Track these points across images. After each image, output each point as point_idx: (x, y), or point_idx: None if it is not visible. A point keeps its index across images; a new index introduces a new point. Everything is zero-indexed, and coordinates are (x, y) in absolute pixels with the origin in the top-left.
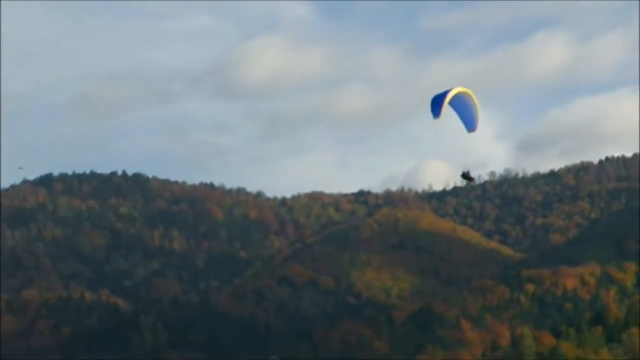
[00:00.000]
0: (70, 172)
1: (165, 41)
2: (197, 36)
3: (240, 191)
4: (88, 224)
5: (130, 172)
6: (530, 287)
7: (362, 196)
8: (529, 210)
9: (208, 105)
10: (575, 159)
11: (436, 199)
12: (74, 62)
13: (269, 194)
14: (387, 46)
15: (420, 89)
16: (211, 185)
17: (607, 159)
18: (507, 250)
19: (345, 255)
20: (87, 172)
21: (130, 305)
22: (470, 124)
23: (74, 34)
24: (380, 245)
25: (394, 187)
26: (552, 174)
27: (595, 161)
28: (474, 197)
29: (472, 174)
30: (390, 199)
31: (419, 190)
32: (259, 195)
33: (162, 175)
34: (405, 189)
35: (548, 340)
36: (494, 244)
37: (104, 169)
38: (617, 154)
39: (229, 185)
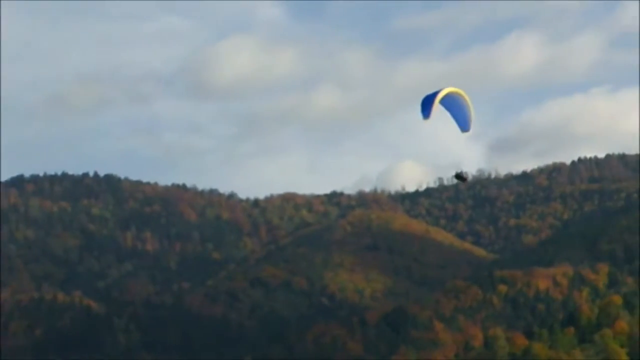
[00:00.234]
0: (41, 174)
1: (138, 42)
2: (170, 37)
3: (213, 192)
4: (60, 226)
5: (102, 173)
6: (503, 288)
7: (334, 197)
8: (501, 211)
9: (180, 106)
10: (548, 160)
11: (409, 200)
12: (45, 63)
13: (242, 195)
14: (359, 47)
15: (393, 90)
16: (183, 187)
17: (579, 159)
18: (480, 251)
19: (318, 257)
20: (59, 173)
21: (103, 306)
22: (464, 125)
23: (46, 35)
24: (354, 246)
25: (366, 188)
26: (524, 175)
27: (568, 162)
28: (446, 198)
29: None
30: (363, 200)
31: (392, 191)
32: (231, 196)
33: (134, 176)
34: (378, 190)
35: (521, 341)
36: (466, 245)
37: (76, 170)
38: (589, 154)
39: (201, 186)
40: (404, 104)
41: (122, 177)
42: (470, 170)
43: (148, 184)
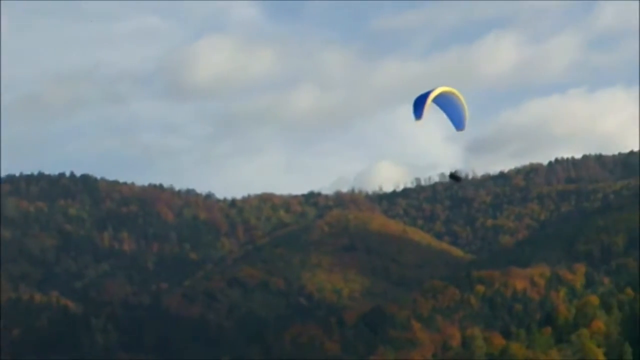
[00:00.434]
0: (17, 174)
1: (114, 42)
2: (146, 37)
3: (190, 192)
4: (37, 226)
5: (78, 174)
6: (480, 288)
7: (312, 198)
8: (479, 211)
9: (157, 106)
10: (525, 161)
11: (386, 201)
12: (22, 63)
13: (219, 195)
14: (337, 47)
15: (371, 90)
16: (160, 187)
17: (556, 160)
18: (458, 252)
19: (296, 257)
20: (35, 173)
21: (81, 307)
22: (459, 124)
23: (22, 35)
24: (331, 246)
25: (344, 189)
26: (501, 176)
27: (545, 163)
28: (424, 199)
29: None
30: (340, 200)
31: (370, 191)
32: (209, 196)
33: (111, 177)
34: (356, 191)
35: (498, 341)
36: (444, 245)
37: (52, 170)
38: (567, 155)
39: (178, 186)
40: (382, 105)
41: (99, 177)
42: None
43: (125, 184)
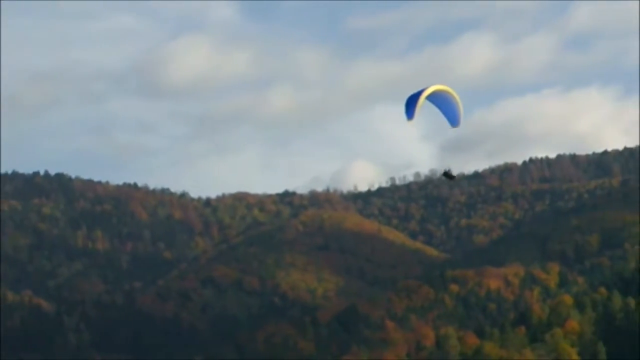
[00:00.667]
0: None
1: (89, 41)
2: (121, 36)
3: (165, 191)
4: (11, 224)
5: (53, 172)
6: (454, 288)
7: (287, 197)
8: (453, 211)
9: (132, 105)
10: (499, 160)
11: (361, 200)
12: None
13: (194, 194)
14: (312, 47)
15: (346, 90)
16: (135, 186)
17: (531, 160)
18: (432, 251)
19: (270, 256)
20: (9, 172)
21: (54, 306)
22: (453, 121)
23: None
24: (306, 246)
25: (319, 188)
26: (476, 175)
27: (519, 162)
28: (398, 198)
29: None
30: (315, 199)
31: (344, 191)
32: (183, 195)
33: (85, 176)
34: (331, 190)
35: (472, 340)
36: (418, 245)
37: (27, 169)
38: (541, 155)
39: (152, 185)
40: (357, 104)
41: (73, 176)
42: (423, 170)
43: (99, 183)
